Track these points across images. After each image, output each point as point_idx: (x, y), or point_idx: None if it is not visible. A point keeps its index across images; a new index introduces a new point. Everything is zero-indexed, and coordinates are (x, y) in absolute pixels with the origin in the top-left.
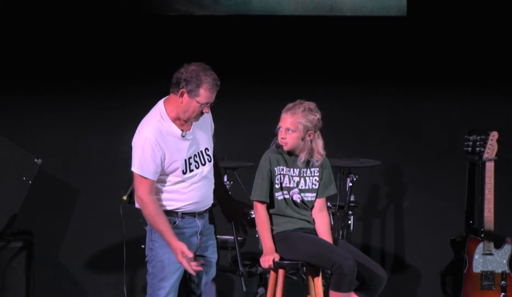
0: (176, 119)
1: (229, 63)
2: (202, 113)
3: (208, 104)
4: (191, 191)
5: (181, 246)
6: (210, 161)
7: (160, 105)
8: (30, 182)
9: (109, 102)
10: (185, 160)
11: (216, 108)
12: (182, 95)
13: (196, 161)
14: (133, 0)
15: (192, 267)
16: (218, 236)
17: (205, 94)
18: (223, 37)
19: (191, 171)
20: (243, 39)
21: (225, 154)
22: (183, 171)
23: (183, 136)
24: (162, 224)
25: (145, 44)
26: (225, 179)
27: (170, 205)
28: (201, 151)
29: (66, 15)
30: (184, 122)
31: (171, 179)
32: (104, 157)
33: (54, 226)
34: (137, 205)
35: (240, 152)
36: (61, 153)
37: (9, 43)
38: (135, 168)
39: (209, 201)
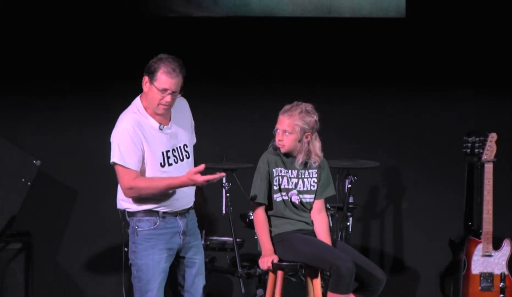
0: (153, 114)
1: (228, 64)
2: (166, 103)
3: (168, 92)
4: None
5: (189, 175)
6: (188, 158)
7: (136, 101)
8: (29, 183)
9: (108, 103)
10: (163, 152)
11: (215, 110)
12: (145, 83)
13: (174, 156)
14: (132, 1)
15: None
16: (217, 238)
17: (161, 78)
18: (222, 38)
19: (169, 164)
20: (242, 40)
21: (224, 155)
22: (161, 163)
23: (160, 129)
24: (164, 180)
25: (144, 46)
26: (224, 180)
27: (151, 204)
28: (180, 146)
29: (66, 16)
30: (163, 118)
31: (149, 174)
32: (103, 158)
33: (53, 227)
34: (120, 206)
35: (238, 153)
36: (60, 154)
37: (8, 44)
38: (116, 159)
39: (189, 199)
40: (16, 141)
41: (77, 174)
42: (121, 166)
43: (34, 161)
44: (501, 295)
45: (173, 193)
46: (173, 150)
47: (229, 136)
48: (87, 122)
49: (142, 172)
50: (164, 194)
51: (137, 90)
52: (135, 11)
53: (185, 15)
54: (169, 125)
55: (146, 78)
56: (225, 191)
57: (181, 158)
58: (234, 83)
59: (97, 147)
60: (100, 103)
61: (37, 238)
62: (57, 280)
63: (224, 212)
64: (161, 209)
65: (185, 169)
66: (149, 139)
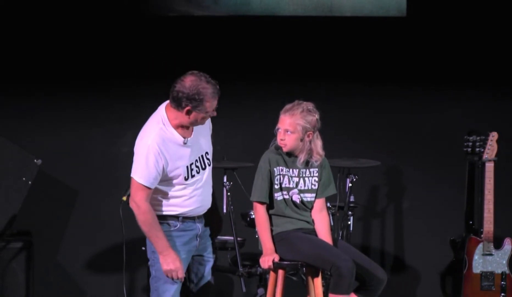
0: (178, 127)
1: (229, 64)
2: (212, 115)
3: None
4: (193, 197)
5: (179, 262)
6: (209, 165)
7: (161, 112)
8: (29, 182)
9: (108, 103)
10: (187, 167)
11: (216, 109)
12: (188, 113)
13: (197, 166)
14: (132, 1)
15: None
16: (218, 237)
17: (210, 104)
18: (222, 37)
19: (192, 176)
20: (242, 40)
21: (225, 155)
22: (185, 177)
23: (185, 143)
24: (160, 232)
25: (145, 45)
26: (225, 179)
27: (172, 210)
28: (202, 156)
29: (66, 16)
30: (187, 129)
31: (173, 185)
32: (104, 158)
33: (54, 226)
34: None
35: (239, 153)
36: (61, 154)
37: (9, 44)
38: (136, 176)
39: (208, 204)
40: (16, 141)
41: (77, 174)
42: (139, 183)
43: (35, 160)
44: (502, 294)
45: (197, 201)
46: (196, 160)
47: (230, 135)
48: (87, 122)
49: (166, 185)
50: (189, 204)
51: (137, 90)
52: (135, 11)
53: (186, 14)
54: (192, 136)
55: (189, 109)
56: (226, 190)
57: (203, 167)
58: (234, 82)
59: (97, 148)
60: (100, 103)
61: (38, 238)
62: (58, 280)
63: (225, 211)
64: (182, 214)
65: (206, 177)
66: (174, 157)
